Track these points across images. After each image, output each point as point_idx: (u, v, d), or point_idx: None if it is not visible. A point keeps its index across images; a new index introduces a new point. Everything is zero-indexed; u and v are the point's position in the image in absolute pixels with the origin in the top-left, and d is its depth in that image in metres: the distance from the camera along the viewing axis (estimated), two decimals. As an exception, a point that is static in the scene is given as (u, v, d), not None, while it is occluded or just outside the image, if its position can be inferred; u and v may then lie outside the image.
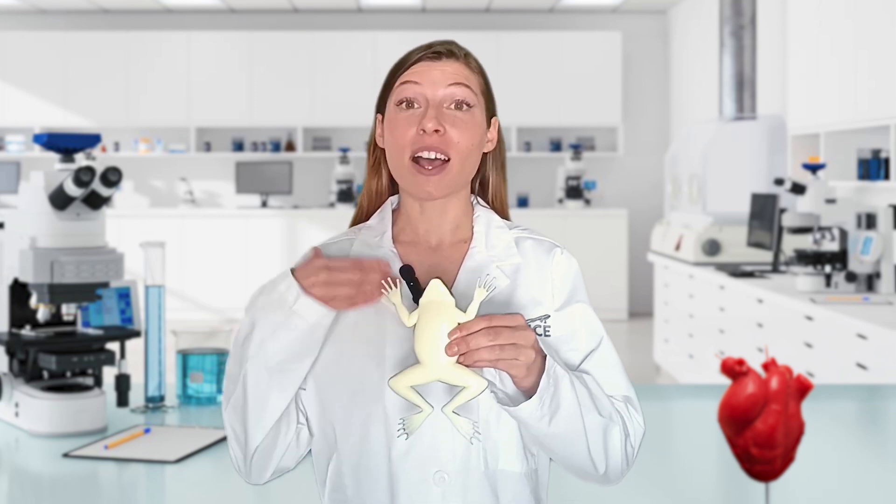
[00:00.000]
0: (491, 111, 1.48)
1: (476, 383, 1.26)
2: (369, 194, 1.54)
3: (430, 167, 1.41)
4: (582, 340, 1.44)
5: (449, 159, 1.41)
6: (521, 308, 1.41)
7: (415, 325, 1.26)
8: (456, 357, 1.24)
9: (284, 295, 1.33)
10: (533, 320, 1.42)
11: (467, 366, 1.24)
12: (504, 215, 1.53)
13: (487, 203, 1.53)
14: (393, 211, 1.51)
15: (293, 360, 1.36)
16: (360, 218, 1.54)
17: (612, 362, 1.45)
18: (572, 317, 1.44)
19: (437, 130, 1.40)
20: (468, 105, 1.43)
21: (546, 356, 1.30)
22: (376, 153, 1.53)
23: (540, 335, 1.42)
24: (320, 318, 1.33)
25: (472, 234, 1.47)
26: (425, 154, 1.41)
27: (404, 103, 1.43)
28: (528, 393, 1.30)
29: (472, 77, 1.45)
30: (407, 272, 1.33)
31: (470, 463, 1.39)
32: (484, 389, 1.27)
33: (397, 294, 1.30)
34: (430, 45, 1.45)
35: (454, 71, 1.44)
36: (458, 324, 1.24)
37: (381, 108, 1.49)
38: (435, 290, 1.26)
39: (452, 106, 1.42)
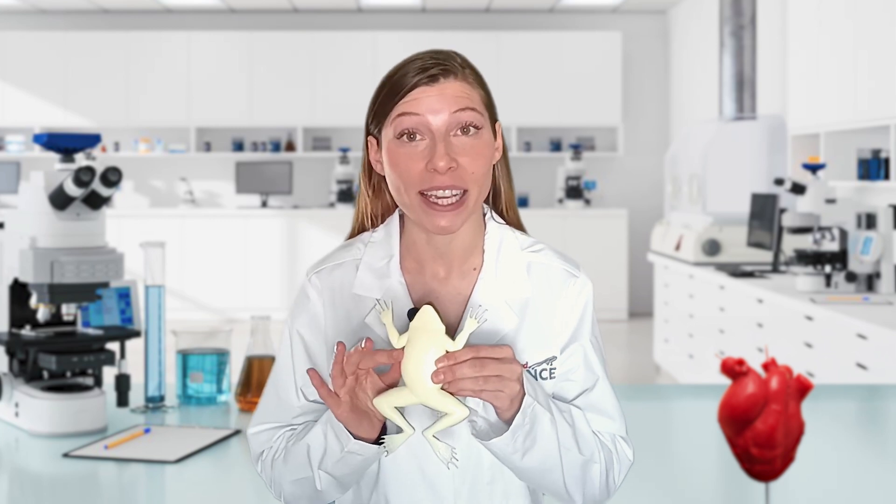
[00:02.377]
0: (494, 119, 1.39)
1: (458, 411, 1.25)
2: (373, 218, 1.46)
3: (444, 203, 1.32)
4: (579, 377, 1.41)
5: (466, 190, 1.33)
6: (527, 350, 1.38)
7: (403, 347, 1.26)
8: (441, 385, 1.24)
9: (336, 444, 1.33)
10: (539, 363, 1.39)
11: (451, 393, 1.24)
12: (515, 222, 1.47)
13: (498, 211, 1.46)
14: (400, 216, 1.44)
15: (358, 475, 1.37)
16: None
17: (606, 402, 1.41)
18: (573, 354, 1.41)
19: (450, 167, 1.31)
20: (476, 127, 1.34)
21: (525, 395, 1.28)
22: (374, 178, 1.44)
23: (545, 378, 1.39)
24: (376, 453, 1.31)
25: (483, 259, 1.40)
26: (439, 193, 1.31)
27: (405, 135, 1.33)
28: (510, 424, 1.28)
29: (473, 94, 1.35)
30: (414, 315, 1.30)
31: None
32: (465, 417, 1.26)
33: (389, 315, 1.29)
34: (424, 68, 1.32)
35: (455, 94, 1.32)
36: (447, 352, 1.24)
37: (371, 129, 1.39)
38: (426, 316, 1.26)
39: (459, 132, 1.33)
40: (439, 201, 1.32)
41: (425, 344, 1.24)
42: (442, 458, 1.29)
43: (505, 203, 1.47)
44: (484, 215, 1.43)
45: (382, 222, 1.45)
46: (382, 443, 1.30)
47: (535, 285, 1.40)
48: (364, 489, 1.41)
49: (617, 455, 1.40)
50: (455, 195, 1.32)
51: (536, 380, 1.38)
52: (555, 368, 1.39)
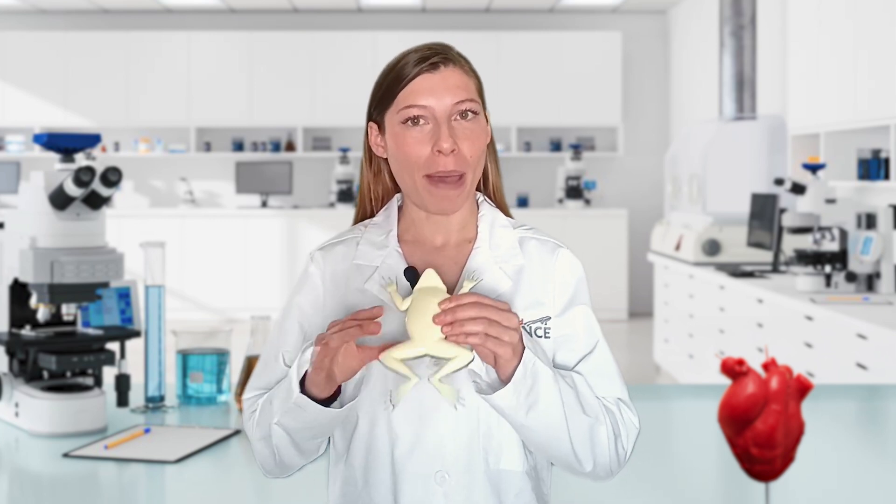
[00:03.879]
0: (484, 104, 1.49)
1: (463, 354, 1.30)
2: (375, 198, 1.55)
3: (447, 181, 1.42)
4: (579, 343, 1.46)
5: (464, 173, 1.43)
6: (523, 310, 1.43)
7: (407, 308, 1.32)
8: (444, 333, 1.28)
9: (288, 393, 1.39)
10: (534, 322, 1.44)
11: (455, 340, 1.28)
12: (501, 205, 1.54)
13: (487, 194, 1.54)
14: (398, 207, 1.53)
15: (309, 437, 1.42)
16: (364, 219, 1.56)
17: (606, 365, 1.46)
18: (573, 319, 1.46)
19: (452, 150, 1.41)
20: (474, 113, 1.44)
21: (525, 349, 1.33)
22: (376, 162, 1.54)
23: (540, 336, 1.44)
24: (320, 413, 1.37)
25: (477, 233, 1.49)
26: (441, 174, 1.42)
27: (410, 121, 1.43)
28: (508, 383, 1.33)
29: (470, 83, 1.46)
30: (410, 274, 1.38)
31: (472, 463, 1.42)
32: (470, 361, 1.31)
33: (393, 285, 1.35)
34: (425, 57, 1.44)
35: (456, 83, 1.43)
36: (449, 297, 1.29)
37: (373, 115, 1.49)
38: (429, 278, 1.33)
39: (458, 117, 1.43)
40: (442, 180, 1.42)
41: (428, 299, 1.30)
42: (449, 400, 1.33)
43: (493, 185, 1.55)
44: (477, 199, 1.53)
45: (382, 202, 1.55)
46: (333, 404, 1.38)
47: (527, 256, 1.48)
48: (369, 447, 1.44)
49: (622, 420, 1.44)
50: (456, 175, 1.43)
51: (532, 337, 1.43)
52: (549, 328, 1.45)
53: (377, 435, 1.42)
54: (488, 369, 1.35)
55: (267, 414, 1.43)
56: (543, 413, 1.34)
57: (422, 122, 1.42)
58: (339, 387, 1.38)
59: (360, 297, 1.45)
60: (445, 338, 1.28)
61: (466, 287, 1.32)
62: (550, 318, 1.45)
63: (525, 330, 1.42)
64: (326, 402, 1.37)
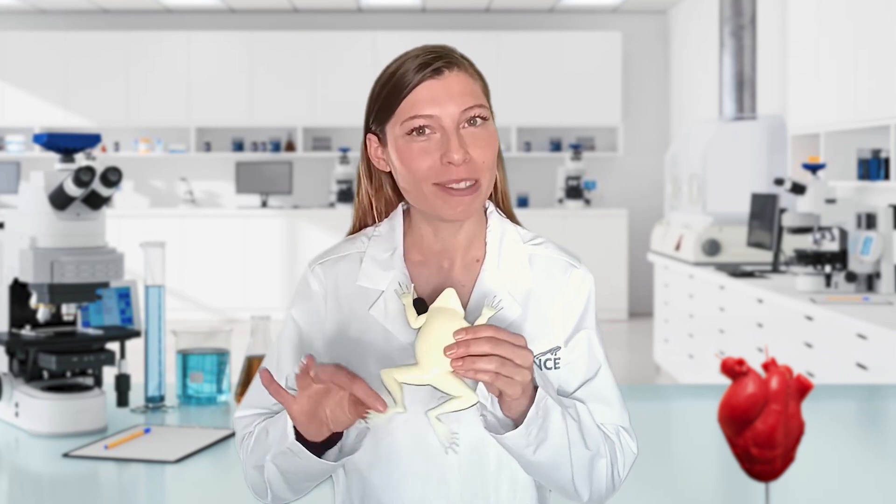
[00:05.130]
0: (491, 108, 1.41)
1: (468, 395, 1.22)
2: (378, 214, 1.46)
3: (460, 193, 1.34)
4: (581, 367, 1.40)
5: (478, 180, 1.34)
6: (532, 340, 1.35)
7: (420, 327, 1.24)
8: (454, 367, 1.20)
9: (284, 436, 1.32)
10: (544, 353, 1.38)
11: (465, 375, 1.20)
12: (508, 212, 1.47)
13: (495, 201, 1.47)
14: (403, 211, 1.45)
15: (301, 479, 1.36)
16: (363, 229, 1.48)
17: (608, 391, 1.40)
18: (577, 344, 1.40)
19: (465, 160, 1.32)
20: (483, 118, 1.35)
21: (537, 386, 1.26)
22: (377, 176, 1.45)
23: (549, 368, 1.38)
24: (315, 464, 1.30)
25: (485, 251, 1.41)
26: (455, 185, 1.33)
27: (415, 131, 1.33)
28: (517, 421, 1.26)
29: (476, 87, 1.36)
30: (420, 305, 1.29)
31: (483, 498, 1.37)
32: (474, 404, 1.23)
33: (409, 296, 1.28)
34: (427, 63, 1.34)
35: (462, 89, 1.34)
36: (465, 328, 1.21)
37: (372, 127, 1.39)
38: (447, 299, 1.24)
39: (467, 124, 1.34)
40: (455, 189, 1.33)
41: (443, 324, 1.21)
42: (441, 440, 1.26)
43: (501, 193, 1.48)
44: (486, 209, 1.44)
45: (384, 217, 1.46)
46: (331, 448, 1.30)
47: (536, 276, 1.40)
48: (365, 473, 1.40)
49: (621, 447, 1.39)
50: (469, 184, 1.34)
51: (541, 370, 1.37)
52: (559, 359, 1.39)
53: (382, 434, 1.37)
54: (493, 400, 1.27)
55: (263, 445, 1.36)
56: (550, 449, 1.29)
57: (428, 131, 1.33)
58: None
59: (363, 324, 1.38)
60: (453, 371, 1.20)
61: (485, 315, 1.24)
62: (560, 347, 1.39)
63: (535, 363, 1.32)
64: (324, 444, 1.31)
